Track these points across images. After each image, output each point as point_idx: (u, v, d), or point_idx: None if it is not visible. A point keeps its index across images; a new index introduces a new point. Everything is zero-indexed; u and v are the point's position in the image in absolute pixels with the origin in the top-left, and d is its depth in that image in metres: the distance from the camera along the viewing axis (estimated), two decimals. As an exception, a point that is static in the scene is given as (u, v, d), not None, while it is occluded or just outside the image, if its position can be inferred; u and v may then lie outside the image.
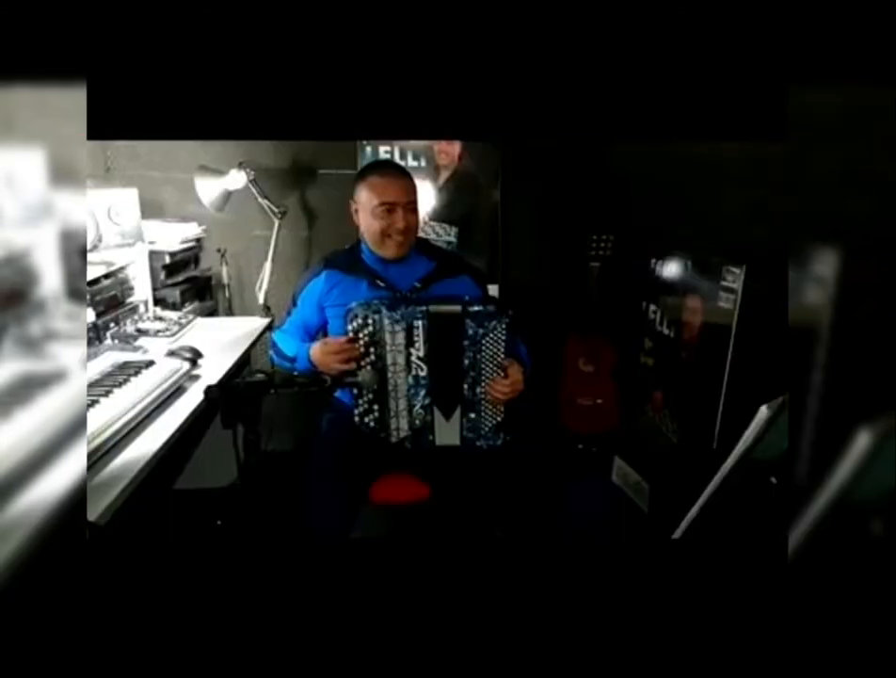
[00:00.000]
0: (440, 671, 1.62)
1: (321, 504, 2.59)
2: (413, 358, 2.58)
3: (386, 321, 2.51)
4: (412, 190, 2.77)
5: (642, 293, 4.02)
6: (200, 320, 3.77)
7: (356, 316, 2.55)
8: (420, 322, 2.51)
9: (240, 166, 3.94)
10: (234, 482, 2.17)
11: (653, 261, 3.88)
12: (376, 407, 2.66)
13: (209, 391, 2.07)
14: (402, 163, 4.34)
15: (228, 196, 3.97)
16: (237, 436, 2.04)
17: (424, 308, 2.52)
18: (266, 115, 1.64)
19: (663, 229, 3.94)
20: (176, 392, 2.58)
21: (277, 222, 4.07)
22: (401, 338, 2.53)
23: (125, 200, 3.68)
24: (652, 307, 3.91)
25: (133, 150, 4.37)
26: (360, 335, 2.53)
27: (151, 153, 4.39)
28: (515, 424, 2.71)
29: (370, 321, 2.52)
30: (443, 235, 4.49)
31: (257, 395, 2.05)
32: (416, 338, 2.53)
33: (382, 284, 2.76)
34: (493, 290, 3.76)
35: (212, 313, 4.34)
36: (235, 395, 2.04)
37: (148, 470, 2.03)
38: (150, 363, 2.69)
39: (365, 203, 2.72)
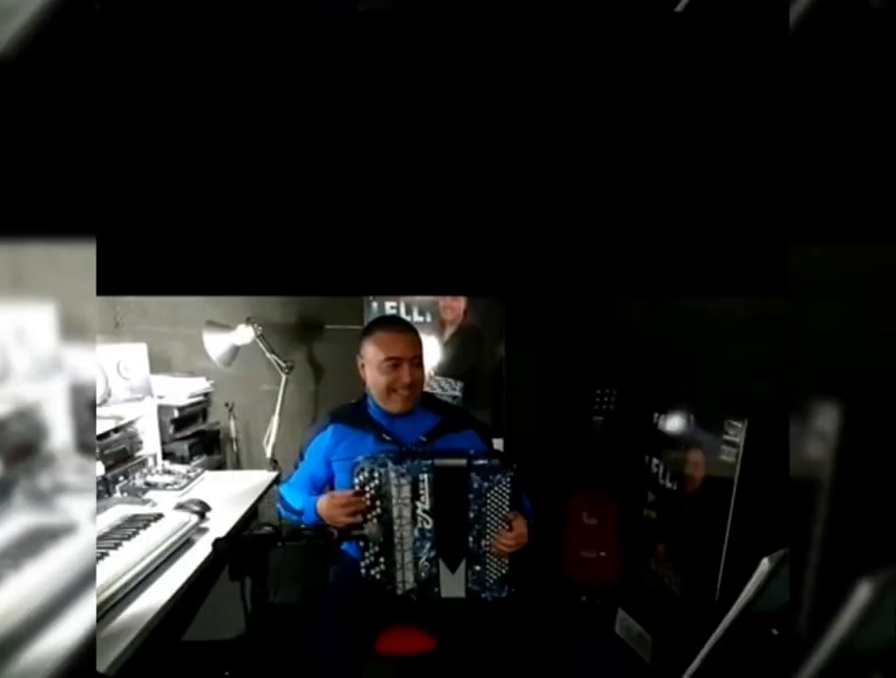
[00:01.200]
0: None
1: (328, 656, 2.46)
2: (419, 511, 2.51)
3: (392, 474, 2.46)
4: (418, 345, 2.75)
5: (645, 446, 3.93)
6: (209, 473, 3.71)
7: (362, 470, 2.48)
8: (425, 476, 2.46)
9: (248, 321, 3.90)
10: (242, 634, 2.13)
11: (656, 415, 3.82)
12: (382, 559, 2.57)
13: (217, 543, 1.98)
14: (408, 318, 4.36)
15: (236, 351, 3.92)
16: (245, 588, 1.97)
17: (429, 462, 2.47)
18: (273, 271, 1.66)
19: (665, 383, 3.90)
20: (185, 544, 2.53)
21: (284, 377, 4.00)
22: (407, 491, 2.47)
23: (134, 355, 3.67)
24: (655, 460, 3.81)
25: (141, 305, 4.35)
26: (367, 488, 2.49)
27: (159, 309, 4.37)
28: (520, 576, 2.61)
29: (376, 475, 2.48)
30: (449, 390, 4.46)
31: (264, 548, 1.98)
32: (422, 491, 2.47)
33: (388, 438, 2.71)
34: (498, 444, 3.76)
35: (220, 466, 4.24)
36: (243, 548, 1.95)
37: (157, 622, 1.98)
38: (158, 516, 2.64)
39: (371, 358, 2.71)
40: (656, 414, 3.84)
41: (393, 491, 2.48)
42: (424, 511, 2.52)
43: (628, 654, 3.72)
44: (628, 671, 3.64)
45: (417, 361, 2.70)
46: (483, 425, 2.95)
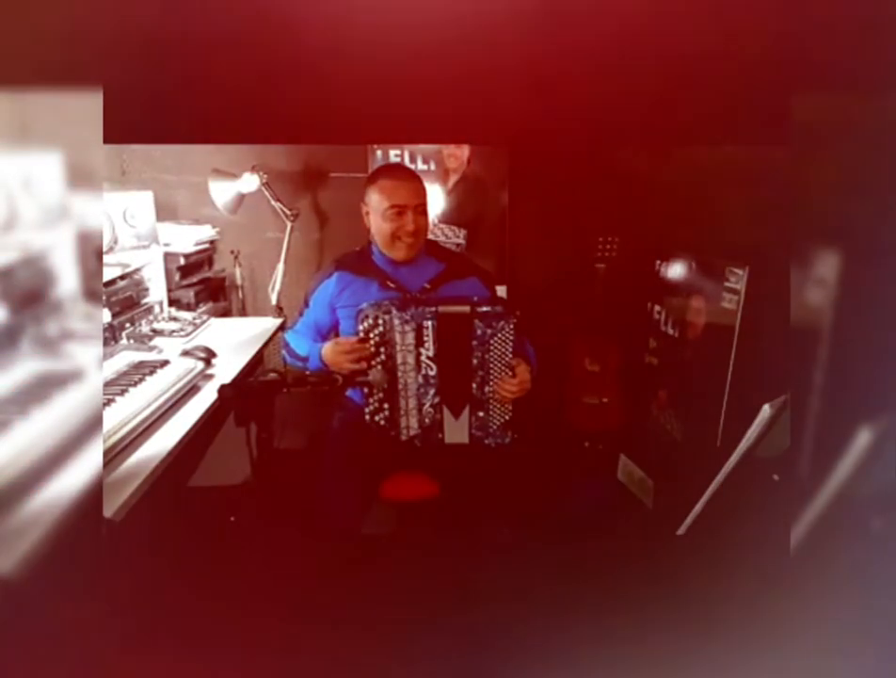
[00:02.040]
0: (445, 668, 1.61)
1: (332, 501, 2.51)
2: (423, 357, 2.51)
3: (396, 321, 2.47)
4: (422, 193, 2.71)
5: (646, 293, 3.95)
6: (214, 320, 3.73)
7: (366, 317, 2.48)
8: (429, 322, 2.47)
9: (253, 169, 3.88)
10: (247, 479, 2.16)
11: (657, 262, 3.82)
12: (386, 405, 2.59)
13: (223, 390, 1.98)
14: (412, 166, 4.31)
15: (241, 199, 3.90)
16: (250, 434, 1.96)
17: (433, 309, 2.47)
18: (279, 119, 1.64)
19: (667, 230, 3.87)
20: (190, 391, 2.52)
21: (289, 224, 4.00)
22: (411, 338, 2.49)
23: (140, 202, 3.63)
24: (657, 307, 3.84)
25: (148, 154, 4.31)
26: (371, 335, 2.49)
27: (165, 157, 4.33)
28: (522, 422, 2.63)
29: (380, 321, 2.48)
30: (452, 237, 4.44)
31: (270, 394, 1.98)
32: (425, 338, 2.49)
33: (392, 285, 2.70)
34: (501, 291, 3.72)
35: (226, 313, 4.27)
36: (248, 394, 1.96)
37: (163, 467, 1.99)
38: (164, 363, 2.62)
39: (376, 206, 2.67)
40: (658, 262, 3.85)
41: (397, 337, 2.50)
42: (428, 358, 2.54)
43: (630, 500, 3.82)
44: (630, 516, 3.72)
45: (421, 208, 2.68)
46: (486, 272, 2.96)
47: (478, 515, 2.55)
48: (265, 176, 3.92)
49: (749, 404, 1.74)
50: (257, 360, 3.22)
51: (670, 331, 3.71)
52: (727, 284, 3.11)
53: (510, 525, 2.61)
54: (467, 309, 2.50)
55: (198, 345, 2.92)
